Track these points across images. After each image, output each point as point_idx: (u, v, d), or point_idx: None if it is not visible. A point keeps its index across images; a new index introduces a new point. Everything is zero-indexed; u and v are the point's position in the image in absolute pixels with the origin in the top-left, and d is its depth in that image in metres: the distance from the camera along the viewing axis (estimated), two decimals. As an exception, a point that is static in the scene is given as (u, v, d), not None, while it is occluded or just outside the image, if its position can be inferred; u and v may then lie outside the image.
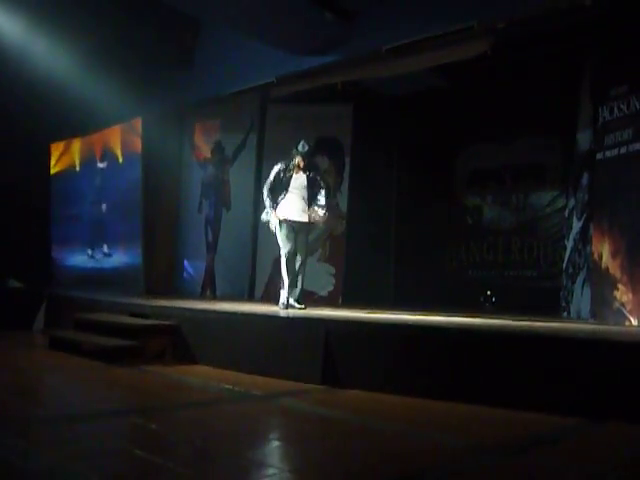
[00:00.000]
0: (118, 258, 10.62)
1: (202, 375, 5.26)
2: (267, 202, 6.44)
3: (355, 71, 7.60)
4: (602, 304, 6.07)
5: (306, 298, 8.56)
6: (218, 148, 9.88)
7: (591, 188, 6.56)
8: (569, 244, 7.13)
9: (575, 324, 6.21)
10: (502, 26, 6.17)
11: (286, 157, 6.55)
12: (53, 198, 12.05)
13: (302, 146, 6.43)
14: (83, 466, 2.74)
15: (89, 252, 11.20)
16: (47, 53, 8.63)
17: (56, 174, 12.14)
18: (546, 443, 3.30)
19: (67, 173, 11.93)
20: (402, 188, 9.76)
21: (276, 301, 6.62)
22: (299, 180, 6.45)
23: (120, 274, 10.44)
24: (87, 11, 7.87)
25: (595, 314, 6.18)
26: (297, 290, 6.53)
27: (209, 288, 9.72)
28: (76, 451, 3.05)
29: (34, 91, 9.35)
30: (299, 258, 6.47)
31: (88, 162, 11.43)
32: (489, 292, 8.48)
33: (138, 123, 10.10)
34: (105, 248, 10.95)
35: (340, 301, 8.67)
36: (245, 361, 5.34)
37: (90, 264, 11.25)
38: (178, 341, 5.95)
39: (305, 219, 6.43)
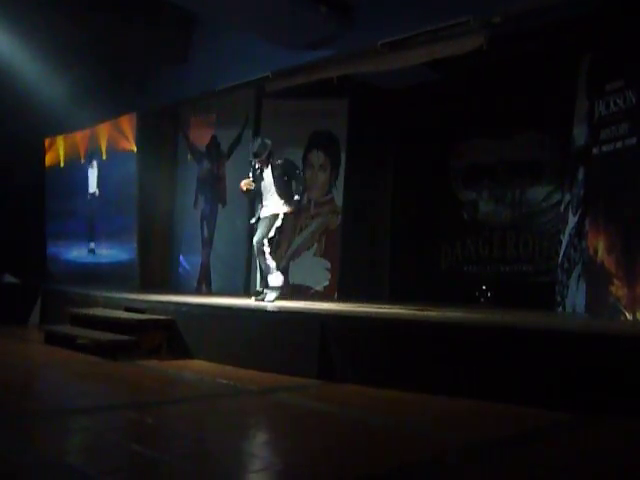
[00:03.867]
0: (113, 253, 10.60)
1: (198, 370, 5.25)
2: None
3: (350, 66, 7.58)
4: (597, 299, 6.09)
5: (302, 293, 8.62)
6: (213, 143, 9.86)
7: (587, 183, 6.57)
8: (565, 239, 7.13)
9: (570, 319, 6.24)
10: (498, 21, 6.15)
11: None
12: (48, 193, 12.01)
13: (251, 146, 6.66)
14: (79, 461, 2.74)
15: (90, 246, 11.16)
16: (41, 48, 8.58)
17: (51, 169, 12.09)
18: (543, 437, 3.31)
19: (62, 168, 11.89)
20: (397, 183, 9.74)
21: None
22: (264, 178, 6.68)
23: (115, 269, 10.42)
24: (80, 6, 7.83)
25: (590, 309, 6.19)
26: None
27: (205, 283, 9.71)
28: (72, 446, 3.05)
29: (28, 85, 9.30)
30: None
31: (83, 157, 11.39)
32: (484, 287, 8.49)
33: (133, 118, 10.07)
34: (101, 243, 10.92)
35: (336, 296, 8.67)
36: (241, 356, 5.33)
37: (86, 259, 11.22)
38: (174, 336, 5.94)
39: (264, 215, 6.61)
